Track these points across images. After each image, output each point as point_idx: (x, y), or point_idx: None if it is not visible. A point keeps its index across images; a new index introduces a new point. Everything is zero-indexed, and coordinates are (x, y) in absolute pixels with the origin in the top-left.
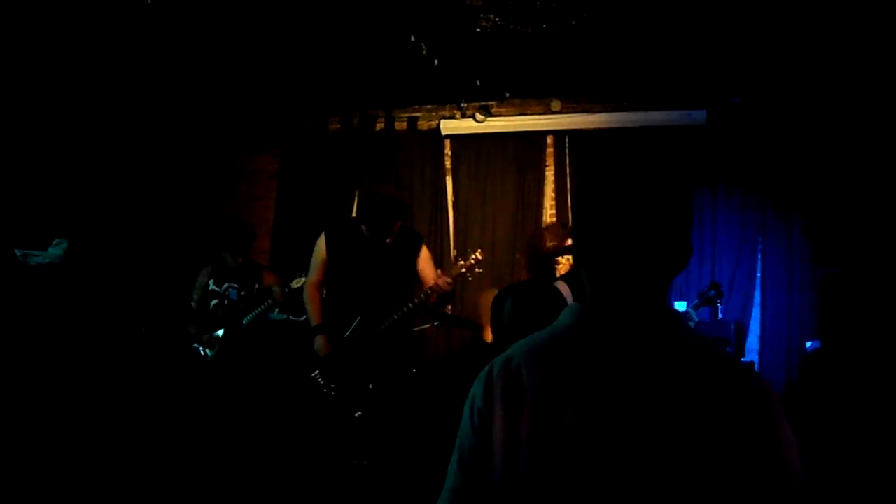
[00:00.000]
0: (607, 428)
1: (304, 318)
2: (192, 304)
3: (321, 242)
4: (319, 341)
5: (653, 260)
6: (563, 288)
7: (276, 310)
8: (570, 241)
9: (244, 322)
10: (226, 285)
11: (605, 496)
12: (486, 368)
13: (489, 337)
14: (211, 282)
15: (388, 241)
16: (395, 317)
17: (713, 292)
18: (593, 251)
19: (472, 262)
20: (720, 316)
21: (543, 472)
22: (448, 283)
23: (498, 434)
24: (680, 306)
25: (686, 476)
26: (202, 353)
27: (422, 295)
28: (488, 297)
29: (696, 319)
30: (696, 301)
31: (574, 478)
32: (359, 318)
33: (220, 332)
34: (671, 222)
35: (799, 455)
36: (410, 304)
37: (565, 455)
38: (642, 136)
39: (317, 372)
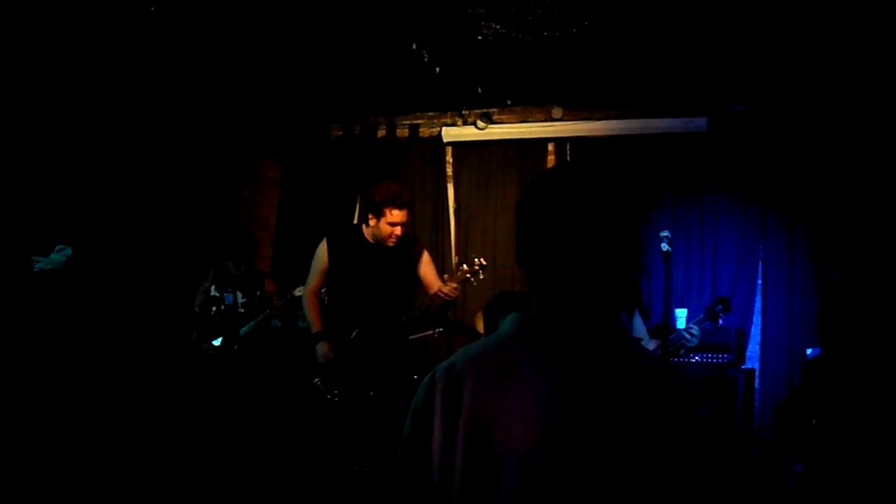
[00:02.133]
0: (540, 436)
1: (304, 324)
2: (195, 309)
3: (322, 248)
4: (322, 348)
5: (595, 266)
6: None
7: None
8: None
9: (243, 331)
10: (226, 292)
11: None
12: (430, 373)
13: None
14: (213, 288)
15: (397, 231)
16: (398, 323)
17: (720, 307)
18: (535, 260)
19: (477, 266)
20: (721, 322)
21: (477, 478)
22: (455, 289)
23: (436, 442)
24: (680, 314)
25: (614, 485)
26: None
27: (425, 300)
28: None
29: (698, 335)
30: (703, 315)
31: (506, 485)
32: (357, 329)
33: (219, 341)
34: (612, 229)
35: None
36: (414, 310)
37: (499, 462)
38: (643, 144)
39: (318, 379)
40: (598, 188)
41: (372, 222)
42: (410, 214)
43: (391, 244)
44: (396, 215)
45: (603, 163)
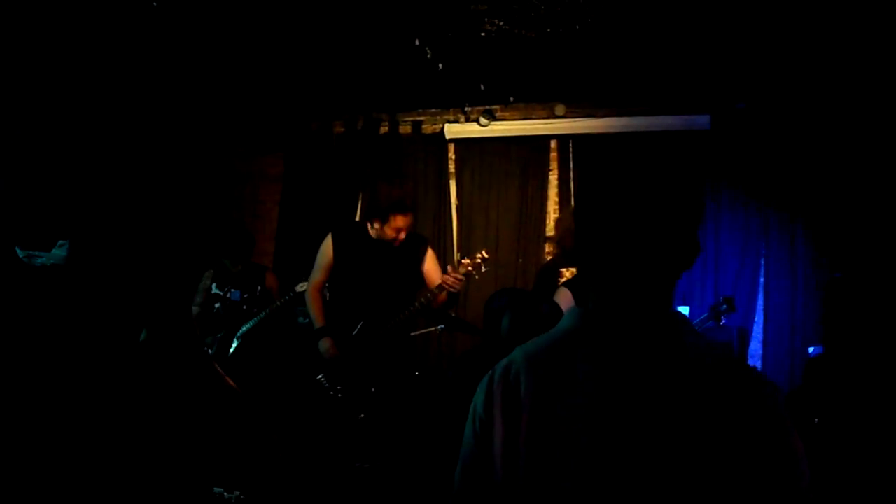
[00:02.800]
0: (604, 433)
1: (305, 320)
2: (195, 307)
3: (328, 244)
4: (325, 343)
5: (656, 262)
6: (564, 294)
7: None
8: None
9: (244, 329)
10: (227, 289)
11: (604, 497)
12: (488, 375)
13: None
14: (214, 285)
15: (401, 236)
16: (401, 317)
17: (725, 307)
18: (596, 254)
19: (479, 260)
20: (723, 321)
21: (541, 478)
22: (459, 280)
23: (498, 440)
24: (682, 311)
25: (685, 481)
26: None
27: (428, 294)
28: None
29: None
30: (707, 314)
31: (570, 485)
32: (361, 323)
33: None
34: (675, 223)
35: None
36: (417, 304)
37: (562, 461)
38: (646, 141)
39: (322, 375)
40: (660, 185)
41: (375, 225)
42: (415, 216)
43: (395, 245)
44: (401, 220)
45: (666, 158)
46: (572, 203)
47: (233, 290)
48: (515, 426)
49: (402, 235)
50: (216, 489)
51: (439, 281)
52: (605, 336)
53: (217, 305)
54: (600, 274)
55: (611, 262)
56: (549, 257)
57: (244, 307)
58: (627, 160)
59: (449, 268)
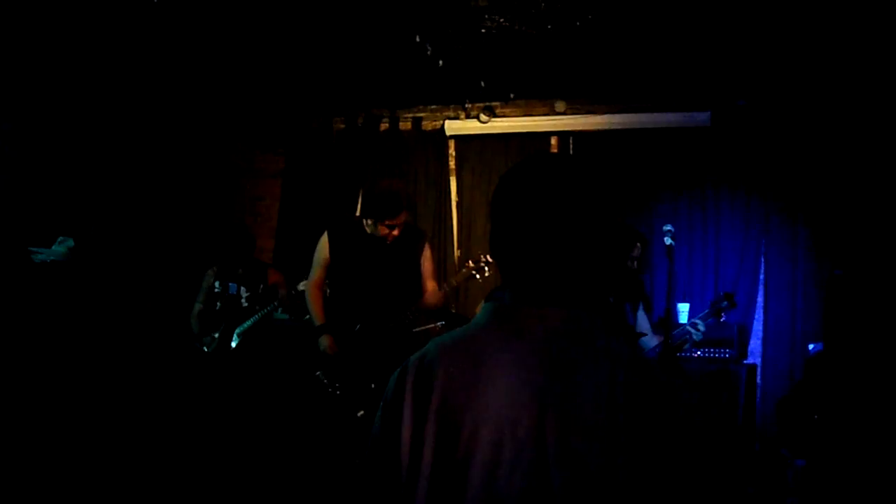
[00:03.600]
0: (510, 425)
1: (307, 317)
2: (198, 305)
3: (324, 241)
4: (325, 341)
5: (563, 257)
6: None
7: (280, 309)
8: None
9: (244, 327)
10: (226, 283)
11: (507, 496)
12: (402, 365)
13: None
14: (217, 283)
15: (394, 233)
16: (401, 320)
17: (725, 303)
18: (507, 249)
19: (482, 263)
20: (723, 318)
21: (447, 468)
22: (440, 299)
23: (406, 430)
24: (682, 308)
25: (588, 473)
26: (205, 351)
27: (414, 309)
28: None
29: (704, 330)
30: (708, 311)
31: (475, 475)
32: (360, 322)
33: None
34: (580, 218)
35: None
36: (409, 315)
37: (469, 451)
38: (646, 138)
39: (320, 372)
40: (567, 178)
41: (370, 222)
42: (410, 212)
43: (388, 241)
44: (393, 221)
45: (576, 155)
46: None
47: (230, 284)
48: (423, 414)
49: (396, 233)
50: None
51: (430, 282)
52: (516, 330)
53: (219, 304)
54: (512, 268)
55: (521, 256)
56: None
57: (246, 305)
58: (537, 156)
59: (444, 283)
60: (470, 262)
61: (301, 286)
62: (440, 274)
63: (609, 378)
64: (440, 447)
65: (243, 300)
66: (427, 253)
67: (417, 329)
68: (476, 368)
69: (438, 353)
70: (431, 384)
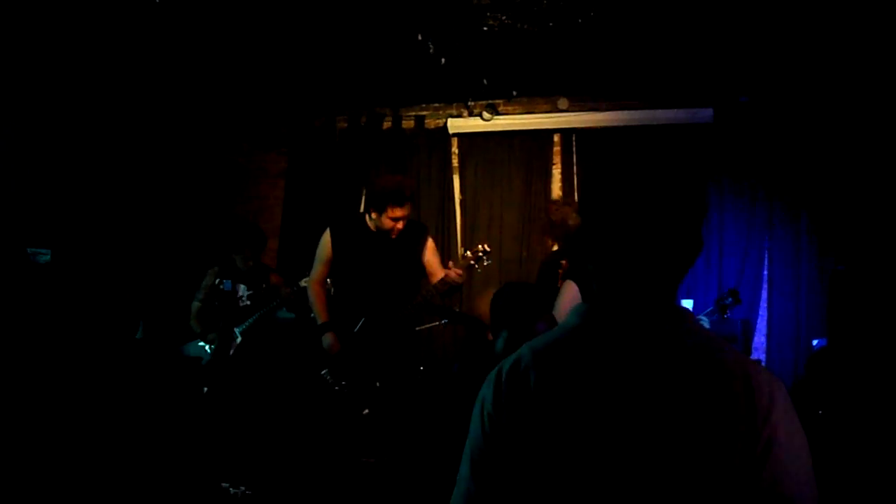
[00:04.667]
0: (615, 427)
1: (312, 315)
2: (198, 304)
3: (326, 238)
4: (328, 339)
5: (661, 258)
6: (570, 287)
7: (284, 308)
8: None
9: (246, 324)
10: (220, 280)
11: (615, 495)
12: (495, 371)
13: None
14: (218, 281)
15: (398, 226)
16: (404, 312)
17: (730, 300)
18: (602, 249)
19: (480, 253)
20: (727, 314)
21: (556, 472)
22: (460, 276)
23: (509, 437)
24: (686, 304)
25: (692, 473)
26: (207, 350)
27: (430, 288)
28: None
29: (708, 327)
30: (712, 308)
31: (584, 479)
32: (363, 319)
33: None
34: (680, 220)
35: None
36: (419, 298)
37: (575, 457)
38: (649, 135)
39: (325, 370)
40: (664, 182)
41: (374, 215)
42: (414, 207)
43: (393, 236)
44: (398, 212)
45: (670, 155)
46: (575, 197)
47: (225, 281)
48: (525, 422)
49: (400, 225)
50: (223, 484)
51: (439, 272)
52: (611, 333)
53: (218, 302)
54: (606, 270)
55: (616, 258)
56: (555, 248)
57: (248, 304)
58: (633, 157)
59: (450, 263)
60: (469, 252)
61: (303, 283)
62: None
63: (701, 375)
64: (545, 456)
65: (245, 299)
66: (430, 246)
67: (420, 328)
68: (573, 373)
69: (534, 358)
70: (530, 393)
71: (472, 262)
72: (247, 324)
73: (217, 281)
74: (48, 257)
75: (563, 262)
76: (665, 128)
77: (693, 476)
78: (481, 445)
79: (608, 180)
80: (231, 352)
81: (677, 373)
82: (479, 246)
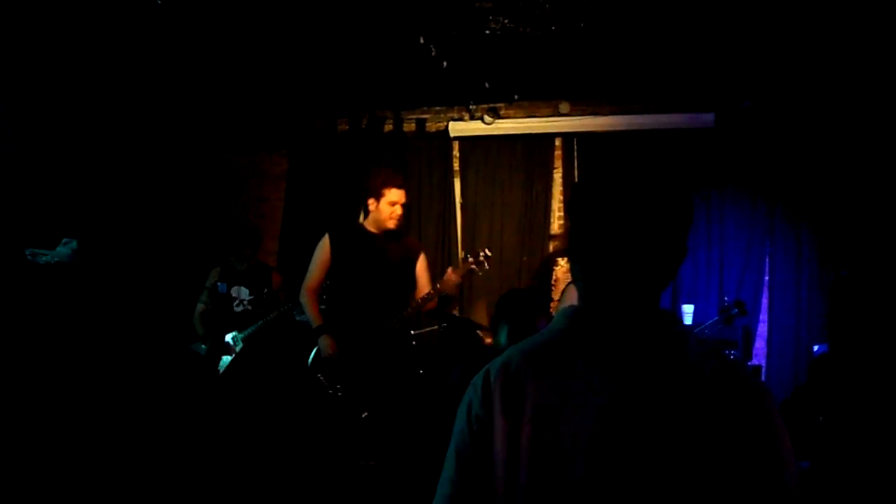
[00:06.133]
0: (609, 430)
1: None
2: (202, 305)
3: (325, 243)
4: (325, 341)
5: (648, 263)
6: (571, 292)
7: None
8: None
9: (250, 330)
10: (214, 283)
11: (610, 498)
12: (482, 374)
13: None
14: (219, 283)
15: (398, 212)
16: (393, 323)
17: (736, 310)
18: (589, 251)
19: (482, 258)
20: (733, 324)
21: (547, 477)
22: (454, 285)
23: (499, 440)
24: (687, 310)
25: (687, 474)
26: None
27: (419, 300)
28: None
29: (709, 334)
30: (717, 318)
31: (578, 482)
32: (360, 324)
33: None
34: (668, 226)
35: (803, 458)
36: (409, 309)
37: (568, 459)
38: (651, 139)
39: (321, 374)
40: (653, 187)
41: (372, 206)
42: (408, 196)
43: (393, 226)
44: (395, 194)
45: (663, 164)
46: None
47: (220, 284)
48: (518, 425)
49: (399, 211)
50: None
51: (426, 286)
52: (599, 336)
53: (220, 304)
54: (591, 273)
55: (601, 261)
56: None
57: (249, 307)
58: (623, 160)
59: (449, 269)
60: (470, 257)
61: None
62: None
63: (694, 378)
64: (537, 458)
65: (246, 302)
66: (422, 260)
67: (417, 331)
68: (565, 376)
69: (524, 361)
70: (523, 392)
71: (472, 266)
72: (249, 331)
73: (219, 283)
74: (48, 257)
75: (559, 259)
76: (666, 132)
77: (678, 481)
78: (468, 447)
79: (596, 183)
80: (231, 357)
81: (667, 374)
82: (481, 251)
